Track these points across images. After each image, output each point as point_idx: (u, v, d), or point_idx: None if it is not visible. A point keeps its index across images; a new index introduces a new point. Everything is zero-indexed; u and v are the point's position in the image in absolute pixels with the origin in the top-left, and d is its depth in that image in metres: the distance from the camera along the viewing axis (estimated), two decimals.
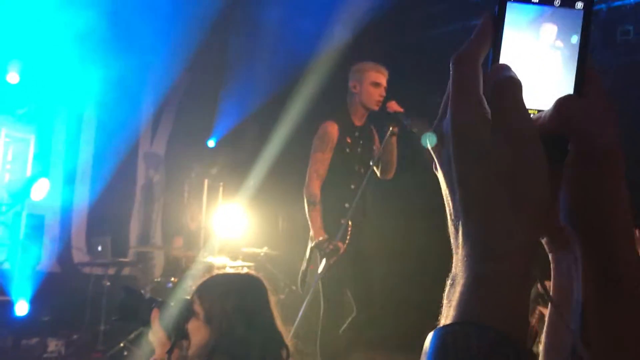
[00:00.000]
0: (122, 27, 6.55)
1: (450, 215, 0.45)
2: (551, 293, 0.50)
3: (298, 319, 3.70)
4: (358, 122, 3.96)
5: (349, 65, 4.13)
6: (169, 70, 7.35)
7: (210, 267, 6.80)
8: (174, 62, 7.17)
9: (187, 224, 7.36)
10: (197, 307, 1.88)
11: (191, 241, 7.11)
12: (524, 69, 0.47)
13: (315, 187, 3.82)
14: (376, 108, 3.84)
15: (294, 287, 6.68)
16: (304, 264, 4.10)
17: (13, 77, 5.98)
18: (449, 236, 0.46)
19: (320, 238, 3.69)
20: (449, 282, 0.44)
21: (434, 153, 0.47)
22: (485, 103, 0.45)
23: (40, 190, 6.07)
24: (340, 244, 3.66)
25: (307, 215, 3.80)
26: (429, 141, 0.47)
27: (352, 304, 3.85)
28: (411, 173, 3.99)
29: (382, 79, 3.86)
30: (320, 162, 3.84)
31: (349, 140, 3.90)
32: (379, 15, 6.38)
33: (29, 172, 6.24)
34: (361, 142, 3.96)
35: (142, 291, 2.19)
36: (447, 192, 0.46)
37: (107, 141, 7.16)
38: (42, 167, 6.44)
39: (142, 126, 8.05)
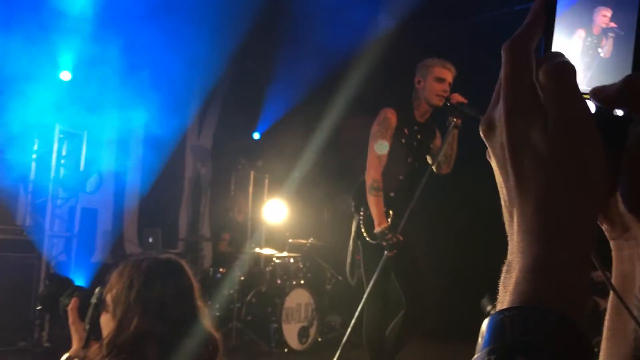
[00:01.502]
0: (167, 21, 6.67)
1: (505, 202, 0.45)
2: (613, 280, 0.49)
3: (357, 312, 3.71)
4: (420, 118, 3.92)
5: (391, 56, 4.10)
6: (215, 63, 7.45)
7: (257, 258, 6.90)
8: (220, 56, 7.25)
9: (234, 216, 7.47)
10: (108, 298, 1.63)
11: (238, 233, 7.21)
12: (577, 54, 0.46)
13: (378, 173, 3.78)
14: (439, 103, 3.79)
15: (340, 278, 6.71)
16: (349, 256, 4.11)
17: (65, 75, 6.18)
18: (503, 223, 0.46)
19: (384, 225, 3.67)
20: (504, 268, 0.44)
21: (487, 141, 0.47)
22: (538, 89, 0.44)
23: (94, 185, 6.26)
24: (401, 237, 3.64)
25: (369, 202, 3.75)
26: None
27: (402, 296, 3.82)
28: (461, 166, 3.94)
29: (447, 74, 3.81)
30: None
31: (406, 132, 3.87)
32: (423, 3, 6.30)
33: (82, 167, 6.44)
34: (419, 136, 3.91)
35: (70, 278, 1.97)
36: (501, 179, 0.46)
37: (156, 135, 7.33)
38: (95, 162, 6.64)
39: (189, 120, 8.20)
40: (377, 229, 3.68)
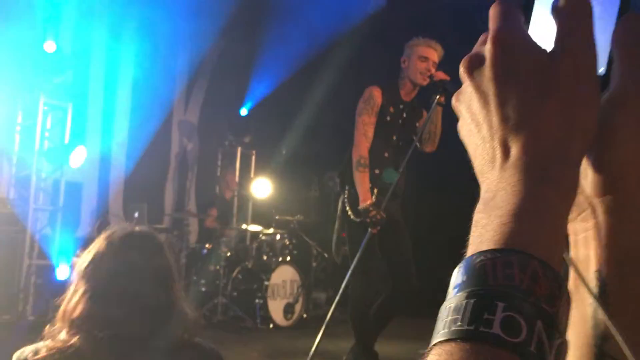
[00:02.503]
0: None
1: (482, 137, 0.43)
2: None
3: (341, 290, 3.72)
4: (406, 97, 3.93)
5: (382, 34, 4.08)
6: (202, 38, 7.36)
7: (243, 234, 6.91)
8: (208, 30, 7.17)
9: (221, 191, 7.45)
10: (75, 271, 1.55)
11: (225, 209, 7.20)
12: (552, 28, 0.45)
13: (365, 150, 3.79)
14: (422, 82, 3.79)
15: (326, 255, 6.75)
16: (335, 234, 4.13)
17: (50, 46, 6.06)
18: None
19: (368, 202, 3.68)
20: (479, 207, 0.41)
21: (468, 76, 0.44)
22: (528, 31, 0.44)
23: (78, 158, 6.20)
24: (384, 215, 3.64)
25: (355, 178, 3.76)
26: None
27: (388, 274, 3.85)
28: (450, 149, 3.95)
29: (432, 53, 3.81)
30: (367, 125, 3.83)
31: (391, 110, 3.89)
32: None
33: (67, 140, 6.37)
34: (405, 115, 3.92)
35: None
36: (482, 114, 0.43)
37: (142, 109, 7.25)
38: (80, 135, 6.57)
39: (176, 94, 8.12)
40: (361, 205, 3.69)
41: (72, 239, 6.36)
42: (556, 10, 0.43)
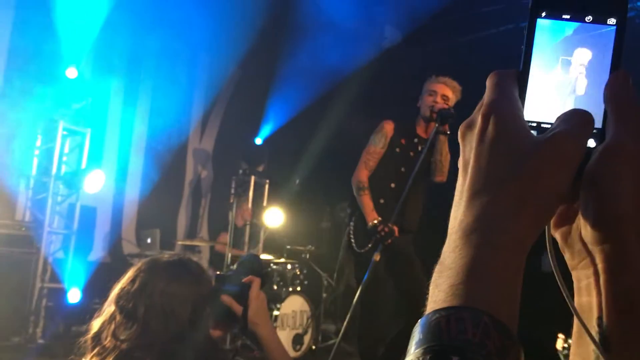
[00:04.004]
0: (175, 26, 6.70)
1: (456, 202, 0.46)
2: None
3: (345, 323, 3.69)
4: (423, 134, 3.99)
5: (396, 68, 4.14)
6: (220, 68, 7.48)
7: None
8: (225, 61, 7.29)
9: (233, 220, 7.47)
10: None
11: (236, 238, 7.21)
12: (552, 89, 0.48)
13: (362, 175, 3.90)
14: (428, 115, 3.85)
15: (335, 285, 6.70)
16: (338, 264, 4.12)
17: (72, 72, 6.19)
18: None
19: (374, 221, 3.70)
20: (437, 267, 0.44)
21: (462, 141, 0.48)
22: (519, 103, 0.47)
23: (95, 183, 6.27)
24: (395, 227, 3.65)
25: (358, 202, 3.85)
26: None
27: (401, 306, 3.82)
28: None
29: (441, 87, 3.87)
30: (370, 155, 3.93)
31: (402, 142, 3.94)
32: (429, 16, 6.34)
33: (84, 165, 6.45)
34: (419, 148, 3.96)
35: None
36: (461, 178, 0.47)
37: (158, 136, 7.35)
38: (97, 160, 6.65)
39: (192, 123, 8.22)
40: (368, 224, 3.72)
41: (85, 263, 6.39)
42: (558, 119, 0.46)
